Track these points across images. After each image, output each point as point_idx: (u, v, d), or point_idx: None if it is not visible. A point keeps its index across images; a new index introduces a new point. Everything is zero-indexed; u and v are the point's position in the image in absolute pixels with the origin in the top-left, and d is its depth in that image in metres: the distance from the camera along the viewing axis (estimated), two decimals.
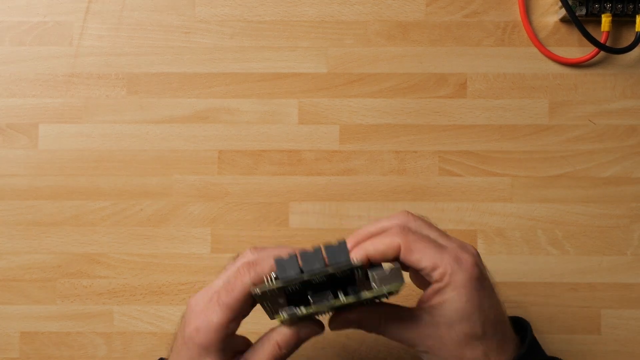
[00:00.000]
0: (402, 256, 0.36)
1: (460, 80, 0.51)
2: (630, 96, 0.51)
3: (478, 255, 0.38)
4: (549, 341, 0.50)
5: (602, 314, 0.50)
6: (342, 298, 0.35)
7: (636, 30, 0.49)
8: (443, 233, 0.39)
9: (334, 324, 0.38)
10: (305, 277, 0.34)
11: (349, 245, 0.36)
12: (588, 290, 0.50)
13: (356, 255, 0.36)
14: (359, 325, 0.38)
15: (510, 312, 0.50)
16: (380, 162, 0.51)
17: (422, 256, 0.36)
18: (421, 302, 0.38)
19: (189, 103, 0.51)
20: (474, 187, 0.51)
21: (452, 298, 0.36)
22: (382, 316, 0.37)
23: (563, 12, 0.49)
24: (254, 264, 0.37)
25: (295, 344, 0.37)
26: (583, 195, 0.50)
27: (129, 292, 0.50)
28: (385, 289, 0.35)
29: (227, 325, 0.36)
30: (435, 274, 0.36)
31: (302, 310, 0.35)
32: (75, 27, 0.51)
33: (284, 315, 0.35)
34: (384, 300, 0.38)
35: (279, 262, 0.35)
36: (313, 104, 0.51)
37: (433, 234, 0.38)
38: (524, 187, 0.50)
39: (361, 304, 0.37)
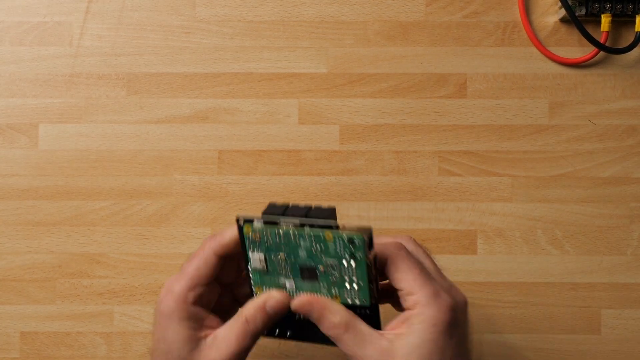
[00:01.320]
0: (387, 269, 0.35)
1: (460, 80, 0.51)
2: (630, 96, 0.51)
3: (464, 304, 0.36)
4: (549, 341, 0.50)
5: (602, 313, 0.50)
6: (308, 227, 0.34)
7: (636, 30, 0.49)
8: (439, 270, 0.37)
9: (297, 301, 0.36)
10: (286, 219, 0.34)
11: None
12: (588, 290, 0.50)
13: None
14: (318, 316, 0.36)
15: (511, 312, 0.50)
16: (380, 162, 0.51)
17: (404, 276, 0.35)
18: (388, 327, 0.36)
19: (189, 103, 0.51)
20: (474, 187, 0.51)
21: (416, 331, 0.34)
22: (346, 319, 0.35)
23: (563, 12, 0.49)
24: (216, 234, 0.37)
25: (262, 319, 0.36)
26: (583, 195, 0.50)
27: (129, 292, 0.50)
28: (346, 234, 0.34)
29: (186, 292, 0.36)
30: (409, 300, 0.34)
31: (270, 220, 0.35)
32: (75, 27, 0.51)
33: (256, 224, 0.35)
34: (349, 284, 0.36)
35: (271, 205, 0.35)
36: (313, 104, 0.51)
37: (427, 264, 0.37)
38: (524, 187, 0.50)
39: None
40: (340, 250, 0.34)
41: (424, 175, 0.51)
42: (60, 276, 0.50)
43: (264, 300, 0.37)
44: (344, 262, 0.35)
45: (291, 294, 0.36)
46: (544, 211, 0.50)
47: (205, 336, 0.37)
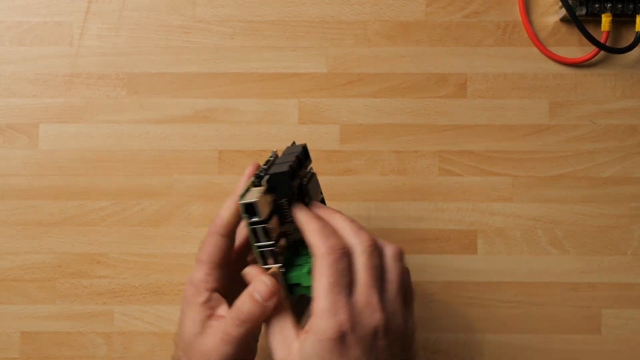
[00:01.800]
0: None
1: (460, 80, 0.51)
2: (630, 96, 0.51)
3: (371, 328, 0.34)
4: (549, 341, 0.50)
5: (602, 313, 0.50)
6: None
7: (636, 30, 0.49)
8: (400, 290, 0.36)
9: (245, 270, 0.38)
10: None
11: None
12: (588, 290, 0.50)
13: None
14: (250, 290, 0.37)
15: (510, 312, 0.50)
16: (380, 162, 0.51)
17: (315, 284, 0.35)
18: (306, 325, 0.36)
19: (189, 103, 0.51)
20: (474, 187, 0.51)
21: (309, 341, 0.34)
22: (288, 305, 0.36)
23: (563, 12, 0.49)
24: (215, 217, 0.39)
25: (253, 309, 0.36)
26: (583, 195, 0.50)
27: (129, 292, 0.50)
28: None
29: (205, 278, 0.38)
30: (314, 306, 0.34)
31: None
32: (75, 27, 0.51)
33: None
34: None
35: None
36: (313, 104, 0.51)
37: (364, 278, 0.35)
38: (524, 187, 0.50)
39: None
40: None
41: (424, 175, 0.51)
42: (60, 276, 0.50)
43: (252, 290, 0.37)
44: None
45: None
46: (544, 211, 0.50)
47: (212, 322, 0.38)
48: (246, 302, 0.36)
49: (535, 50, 0.51)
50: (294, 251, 0.39)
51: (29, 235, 0.50)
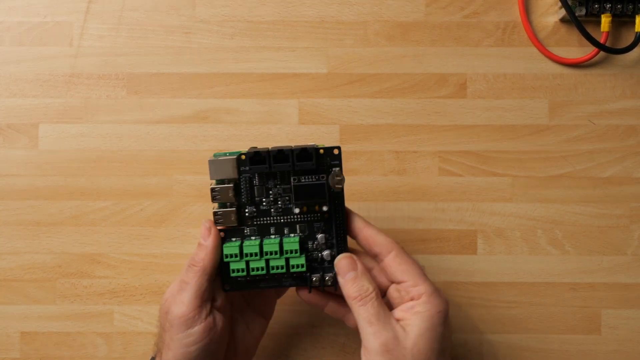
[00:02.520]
0: (390, 260, 0.40)
1: (460, 80, 0.51)
2: (630, 96, 0.51)
3: (448, 304, 0.40)
4: (549, 341, 0.50)
5: (602, 313, 0.50)
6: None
7: (636, 30, 0.49)
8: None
9: (338, 261, 0.41)
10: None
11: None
12: (588, 290, 0.50)
13: (357, 225, 0.41)
14: (349, 278, 0.40)
15: (511, 312, 0.50)
16: (380, 162, 0.51)
17: (410, 270, 0.40)
18: (396, 313, 0.40)
19: (189, 103, 0.51)
20: (474, 187, 0.51)
21: (424, 318, 0.38)
22: (374, 290, 0.40)
23: (563, 12, 0.49)
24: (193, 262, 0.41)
25: (204, 255, 0.41)
26: (583, 195, 0.50)
27: (129, 292, 0.50)
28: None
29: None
30: (413, 291, 0.39)
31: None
32: (75, 27, 0.51)
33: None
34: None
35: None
36: (313, 104, 0.51)
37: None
38: (524, 187, 0.50)
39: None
40: None
41: (424, 175, 0.51)
42: (60, 276, 0.50)
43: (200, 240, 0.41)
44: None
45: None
46: (544, 211, 0.50)
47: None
48: (195, 249, 0.41)
49: (535, 50, 0.51)
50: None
51: (29, 235, 0.50)
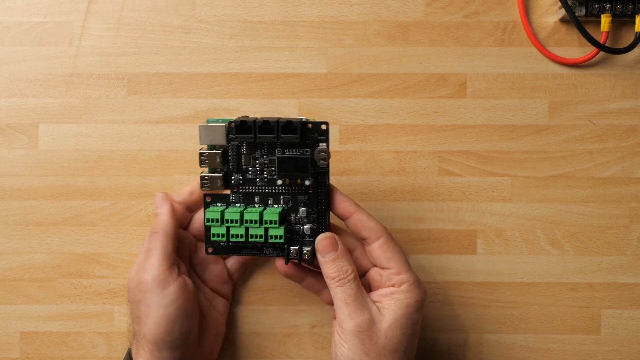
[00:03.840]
0: (378, 246, 0.41)
1: (460, 80, 0.51)
2: (630, 96, 0.51)
3: (426, 295, 0.42)
4: (549, 341, 0.50)
5: (602, 313, 0.50)
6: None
7: (636, 30, 0.49)
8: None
9: (319, 240, 0.42)
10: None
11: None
12: (588, 290, 0.50)
13: (347, 208, 0.42)
14: (328, 259, 0.41)
15: (510, 312, 0.50)
16: (380, 162, 0.51)
17: (395, 257, 0.41)
18: (373, 296, 0.42)
19: (189, 103, 0.51)
20: (473, 187, 0.51)
21: (401, 305, 0.40)
22: (353, 272, 0.41)
23: (563, 12, 0.49)
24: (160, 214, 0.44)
25: (158, 200, 0.44)
26: (583, 195, 0.50)
27: None
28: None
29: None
30: (395, 279, 0.41)
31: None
32: (75, 27, 0.51)
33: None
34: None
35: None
36: (313, 104, 0.51)
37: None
38: (523, 187, 0.51)
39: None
40: None
41: (424, 175, 0.51)
42: (60, 276, 0.50)
43: None
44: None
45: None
46: (543, 211, 0.50)
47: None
48: (154, 221, 0.43)
49: (534, 50, 0.51)
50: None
51: (29, 235, 0.50)
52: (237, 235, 0.42)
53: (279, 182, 0.42)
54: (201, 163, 0.42)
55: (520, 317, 0.50)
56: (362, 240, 0.43)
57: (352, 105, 0.51)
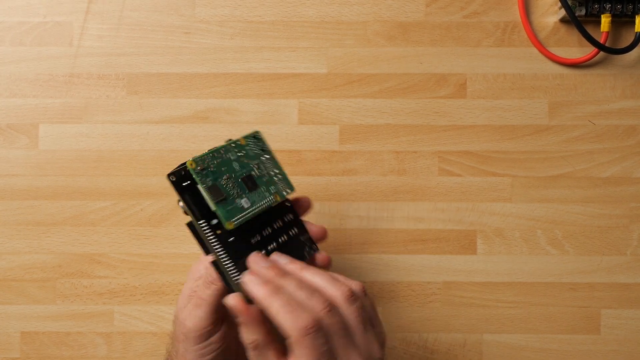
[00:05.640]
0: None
1: (460, 81, 0.51)
2: (630, 96, 0.51)
3: None
4: (549, 341, 0.50)
5: (602, 313, 0.50)
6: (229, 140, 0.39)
7: (635, 30, 0.49)
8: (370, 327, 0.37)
9: (230, 300, 0.37)
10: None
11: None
12: (587, 290, 0.50)
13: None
14: (242, 322, 0.37)
15: (510, 312, 0.50)
16: (380, 162, 0.51)
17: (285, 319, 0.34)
18: None
19: (189, 103, 0.51)
20: (473, 187, 0.51)
21: None
22: (260, 340, 0.36)
23: (563, 12, 0.49)
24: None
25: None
26: (583, 195, 0.50)
27: (129, 292, 0.50)
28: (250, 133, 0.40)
29: (204, 257, 0.40)
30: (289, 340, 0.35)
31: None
32: (75, 27, 0.51)
33: (195, 157, 0.38)
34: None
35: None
36: (313, 104, 0.51)
37: (350, 335, 0.36)
38: (523, 187, 0.51)
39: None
40: (254, 149, 0.41)
41: (424, 175, 0.51)
42: (60, 276, 0.50)
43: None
44: (262, 157, 0.41)
45: (249, 212, 0.38)
46: (543, 211, 0.50)
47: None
48: (211, 268, 0.38)
49: (534, 50, 0.51)
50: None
51: (29, 235, 0.50)
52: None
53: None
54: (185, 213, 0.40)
55: (520, 317, 0.50)
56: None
57: (352, 105, 0.51)
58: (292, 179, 0.50)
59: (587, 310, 0.50)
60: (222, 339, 0.39)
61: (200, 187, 0.37)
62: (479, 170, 0.51)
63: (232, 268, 0.37)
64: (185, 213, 0.37)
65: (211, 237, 0.37)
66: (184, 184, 0.37)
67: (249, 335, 0.36)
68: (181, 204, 0.37)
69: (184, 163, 0.37)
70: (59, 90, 0.51)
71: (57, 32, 0.51)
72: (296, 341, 0.34)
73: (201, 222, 0.37)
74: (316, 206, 0.50)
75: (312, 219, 0.50)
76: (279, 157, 0.51)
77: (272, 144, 0.51)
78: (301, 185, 0.51)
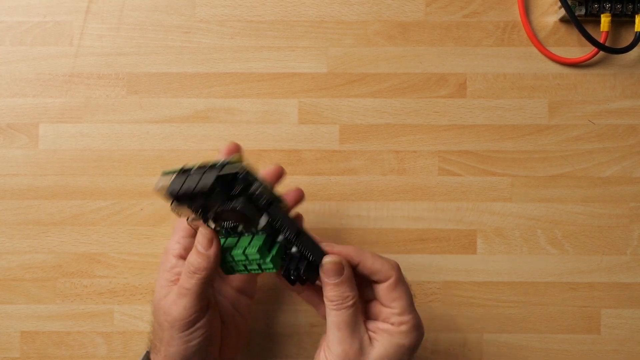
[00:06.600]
0: (384, 287, 0.39)
1: (460, 80, 0.51)
2: (630, 96, 0.51)
3: (422, 337, 0.40)
4: (549, 341, 0.50)
5: (602, 313, 0.50)
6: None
7: (635, 30, 0.49)
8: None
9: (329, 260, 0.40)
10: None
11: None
12: (587, 289, 0.50)
13: (353, 258, 0.40)
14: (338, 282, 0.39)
15: (510, 312, 0.50)
16: (380, 162, 0.51)
17: (401, 297, 0.39)
18: (369, 326, 0.40)
19: (189, 103, 0.51)
20: (473, 187, 0.51)
21: (393, 345, 0.39)
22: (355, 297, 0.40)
23: (562, 12, 0.49)
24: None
25: (203, 262, 0.39)
26: (583, 195, 0.50)
27: (129, 292, 0.50)
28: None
29: (173, 246, 0.43)
30: (396, 319, 0.39)
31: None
32: (75, 27, 0.51)
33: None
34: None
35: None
36: (313, 104, 0.51)
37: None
38: (523, 187, 0.51)
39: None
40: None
41: (424, 175, 0.51)
42: (60, 276, 0.50)
43: (195, 243, 0.40)
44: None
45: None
46: (543, 211, 0.50)
47: (174, 284, 0.41)
48: (193, 255, 0.40)
49: (534, 50, 0.51)
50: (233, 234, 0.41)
51: (29, 235, 0.50)
52: (238, 268, 0.40)
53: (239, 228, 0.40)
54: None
55: (520, 317, 0.50)
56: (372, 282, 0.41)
57: (352, 105, 0.51)
58: (292, 179, 0.51)
59: (587, 310, 0.50)
60: (207, 324, 0.40)
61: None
62: (479, 169, 0.51)
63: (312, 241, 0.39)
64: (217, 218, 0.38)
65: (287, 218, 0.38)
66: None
67: (347, 291, 0.39)
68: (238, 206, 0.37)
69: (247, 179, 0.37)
70: (59, 89, 0.51)
71: (57, 31, 0.51)
72: (398, 278, 0.39)
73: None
74: (316, 206, 0.50)
75: (312, 219, 0.50)
76: (278, 157, 0.51)
77: (272, 143, 0.51)
78: (301, 185, 0.50)
